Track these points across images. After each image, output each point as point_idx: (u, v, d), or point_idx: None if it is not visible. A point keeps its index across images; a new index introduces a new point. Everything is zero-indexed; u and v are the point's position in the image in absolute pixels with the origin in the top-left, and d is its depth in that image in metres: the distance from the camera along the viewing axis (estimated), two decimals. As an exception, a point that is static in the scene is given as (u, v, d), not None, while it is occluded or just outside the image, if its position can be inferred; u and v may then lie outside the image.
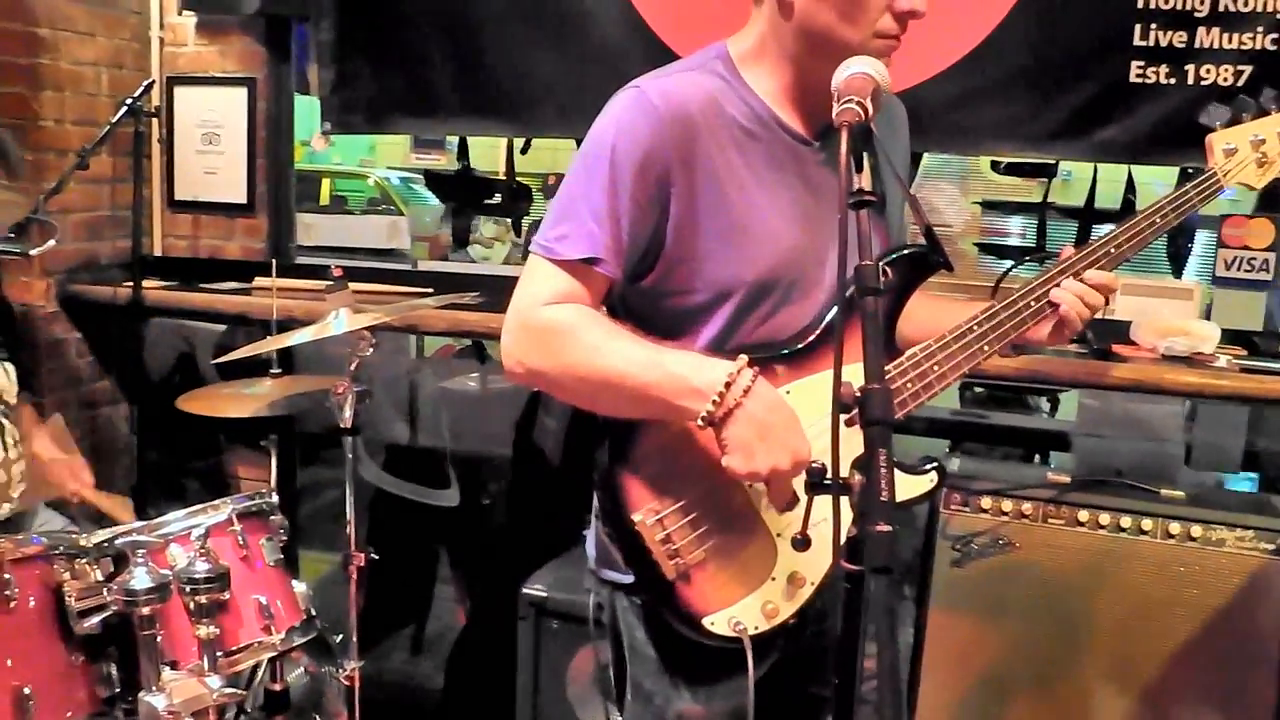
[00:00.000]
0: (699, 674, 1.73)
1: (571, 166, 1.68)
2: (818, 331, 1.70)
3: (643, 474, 1.63)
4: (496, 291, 3.00)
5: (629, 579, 1.71)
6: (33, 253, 2.52)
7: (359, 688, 2.58)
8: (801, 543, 1.46)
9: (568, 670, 2.76)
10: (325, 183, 10.66)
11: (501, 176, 4.30)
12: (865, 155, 1.32)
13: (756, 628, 1.64)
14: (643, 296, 1.69)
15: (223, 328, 3.58)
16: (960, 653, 2.66)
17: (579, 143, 1.70)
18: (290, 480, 3.53)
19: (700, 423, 1.53)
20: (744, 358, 1.55)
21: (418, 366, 3.48)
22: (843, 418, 1.59)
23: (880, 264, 1.27)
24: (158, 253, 3.95)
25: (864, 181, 1.28)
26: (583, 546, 1.88)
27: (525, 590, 2.77)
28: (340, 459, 2.51)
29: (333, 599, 2.59)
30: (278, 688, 2.47)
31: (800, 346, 1.69)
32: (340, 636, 2.58)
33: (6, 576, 1.66)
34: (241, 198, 3.88)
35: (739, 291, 1.66)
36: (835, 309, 1.69)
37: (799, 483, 1.55)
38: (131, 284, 3.51)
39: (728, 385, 1.51)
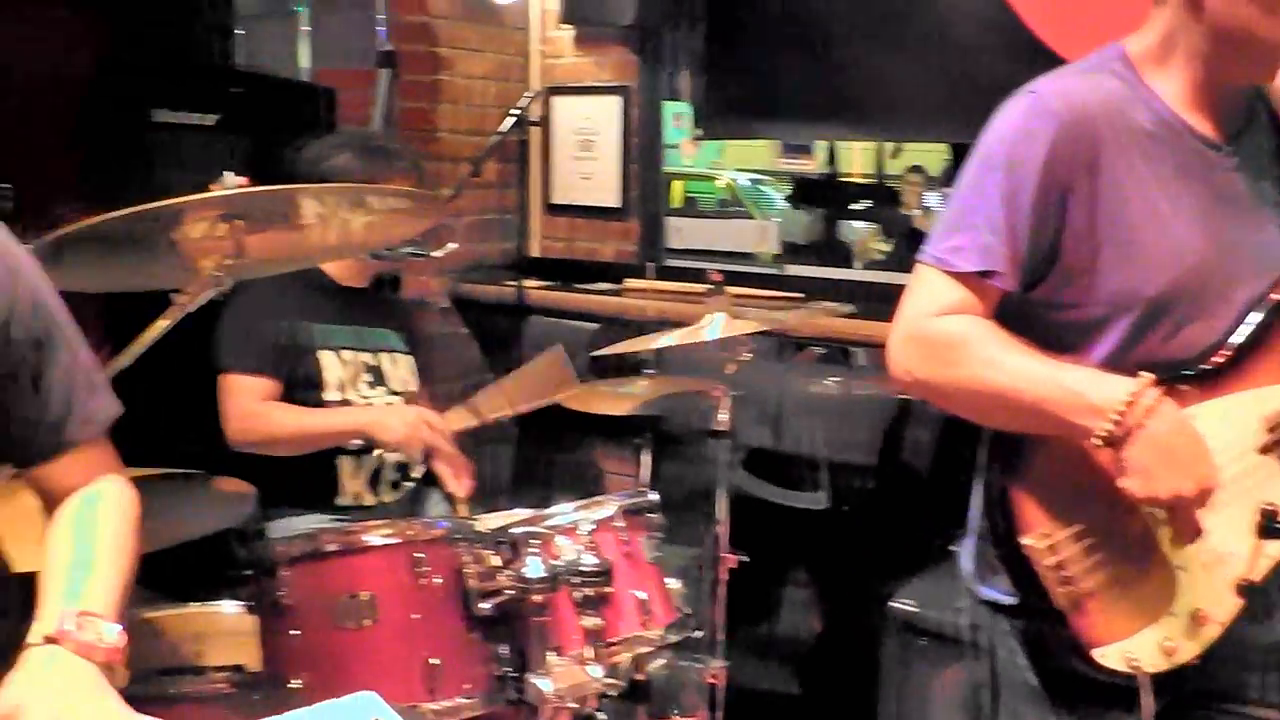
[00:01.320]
0: (1083, 707, 1.66)
1: (963, 174, 1.65)
2: (1228, 352, 1.60)
3: (1035, 494, 1.58)
4: (866, 298, 3.01)
5: (1012, 600, 1.67)
6: (435, 254, 2.74)
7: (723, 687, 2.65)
8: (1247, 589, 1.38)
9: (932, 689, 2.71)
10: (678, 185, 10.96)
11: (868, 180, 4.28)
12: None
13: (1153, 665, 1.56)
14: (1031, 308, 1.64)
15: (595, 327, 3.75)
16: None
17: (953, 147, 1.68)
18: (655, 477, 3.65)
19: (1098, 442, 1.47)
20: (1148, 375, 1.48)
21: (783, 370, 3.51)
22: (1256, 444, 1.50)
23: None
24: (536, 254, 4.19)
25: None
26: (950, 561, 1.84)
27: (893, 604, 2.74)
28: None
29: (687, 595, 2.66)
30: (641, 678, 2.56)
31: (1207, 367, 1.59)
32: (700, 633, 2.65)
33: (419, 555, 1.82)
34: (615, 201, 4.05)
35: (1137, 306, 1.58)
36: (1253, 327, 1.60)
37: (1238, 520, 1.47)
38: (514, 283, 3.74)
39: (1129, 404, 1.45)
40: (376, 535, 1.85)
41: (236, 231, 1.83)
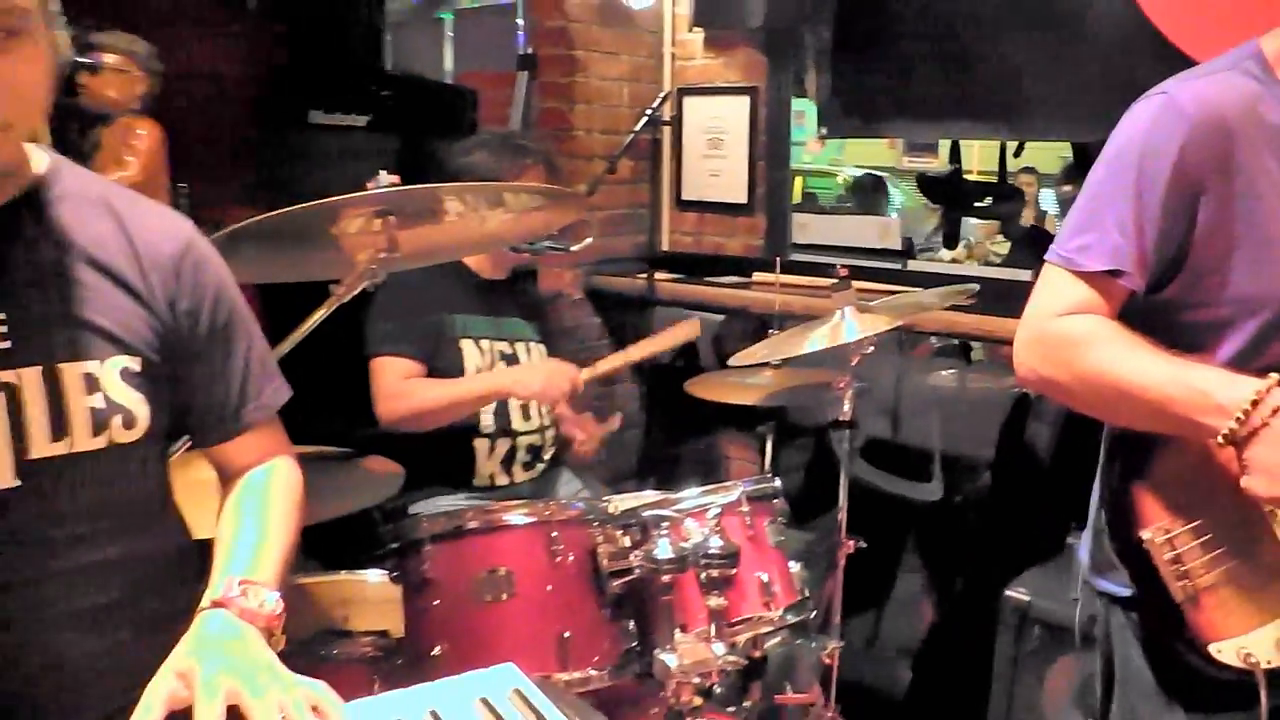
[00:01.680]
0: (1197, 701, 1.62)
1: (1093, 174, 1.61)
2: (1360, 353, 1.53)
3: (1155, 490, 1.55)
4: (990, 294, 2.96)
5: (1127, 592, 1.63)
6: (574, 249, 2.78)
7: (836, 667, 2.64)
8: None
9: (1045, 678, 2.66)
10: (797, 181, 10.83)
11: (989, 179, 4.21)
12: None
13: (1269, 662, 1.51)
14: (1156, 308, 1.59)
15: (720, 318, 3.75)
16: None
17: (1076, 146, 1.64)
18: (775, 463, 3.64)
19: (1220, 441, 1.43)
20: (1275, 376, 1.44)
21: (903, 363, 3.48)
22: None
23: None
24: (664, 248, 4.21)
25: None
26: (1066, 555, 1.81)
27: (1008, 594, 2.69)
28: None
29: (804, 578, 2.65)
30: (757, 654, 2.57)
31: (1339, 370, 1.53)
32: (813, 614, 2.64)
33: (554, 534, 1.85)
34: (742, 198, 4.04)
35: (1268, 307, 1.53)
36: None
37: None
38: (645, 276, 3.77)
39: (1254, 403, 1.41)
40: (516, 515, 1.89)
41: (389, 227, 1.88)
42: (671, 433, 3.99)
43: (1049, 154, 7.74)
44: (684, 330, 2.94)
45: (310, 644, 2.01)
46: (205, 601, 1.34)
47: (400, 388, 2.76)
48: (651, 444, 3.80)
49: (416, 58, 7.23)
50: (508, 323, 2.99)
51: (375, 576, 2.36)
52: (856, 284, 2.58)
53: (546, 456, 3.00)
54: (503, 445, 2.89)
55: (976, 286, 2.62)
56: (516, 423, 2.91)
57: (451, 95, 5.57)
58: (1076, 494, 1.80)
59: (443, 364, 2.84)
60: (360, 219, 1.91)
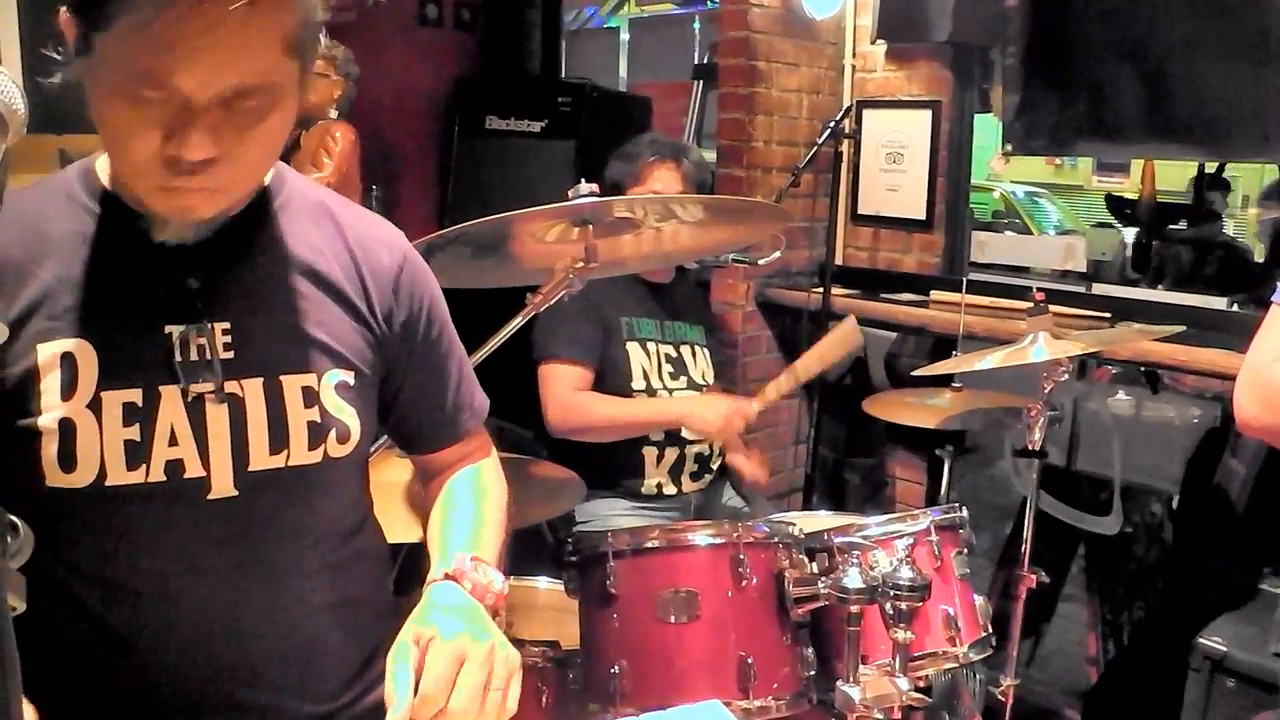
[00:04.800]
0: None
1: None
2: None
3: None
4: (1176, 321, 2.77)
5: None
6: (761, 262, 2.70)
7: (1010, 704, 2.50)
8: None
9: (1238, 732, 2.48)
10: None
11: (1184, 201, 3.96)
12: None
13: None
14: None
15: (893, 335, 3.63)
16: None
17: None
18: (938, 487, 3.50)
19: None
20: None
21: (1082, 388, 3.29)
22: None
23: None
24: (839, 262, 4.09)
25: None
26: (1259, 601, 1.66)
27: (1201, 641, 2.51)
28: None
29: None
30: (922, 682, 2.44)
31: None
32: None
33: (741, 557, 1.78)
34: (920, 214, 3.90)
35: None
36: None
37: None
38: (821, 290, 3.66)
39: None
40: (702, 535, 1.82)
41: (588, 236, 1.84)
42: (838, 450, 3.88)
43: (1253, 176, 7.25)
44: (843, 336, 2.80)
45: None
46: (436, 574, 1.33)
47: (572, 399, 2.73)
48: (818, 460, 3.69)
49: (592, 66, 7.27)
50: (673, 325, 2.95)
51: (545, 583, 2.31)
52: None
53: (714, 466, 2.95)
54: (671, 454, 2.85)
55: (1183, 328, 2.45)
56: (686, 432, 2.85)
57: (624, 103, 5.56)
58: (1272, 537, 1.65)
59: (609, 367, 2.81)
60: (558, 228, 1.87)
